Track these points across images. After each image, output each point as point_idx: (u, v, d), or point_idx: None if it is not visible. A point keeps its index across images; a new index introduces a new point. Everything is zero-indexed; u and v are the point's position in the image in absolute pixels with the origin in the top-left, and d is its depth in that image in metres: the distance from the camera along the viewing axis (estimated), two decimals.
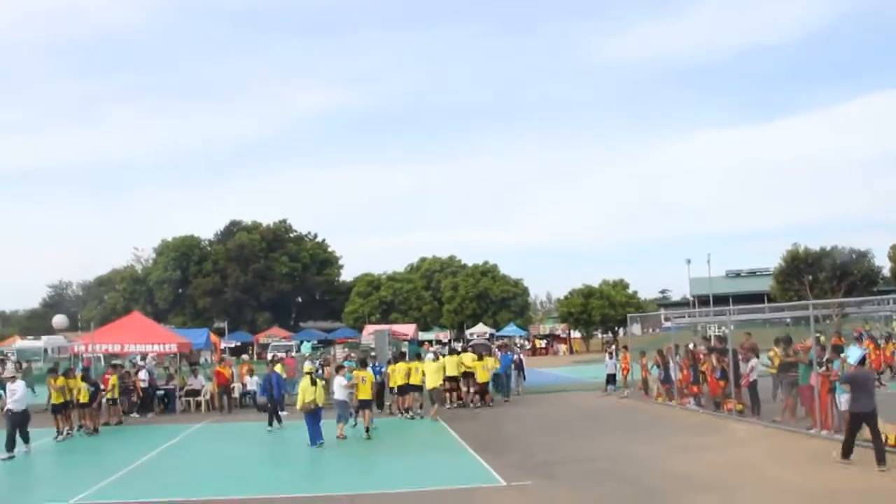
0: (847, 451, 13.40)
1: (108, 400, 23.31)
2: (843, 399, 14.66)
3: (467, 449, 17.04)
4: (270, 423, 21.30)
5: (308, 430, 18.21)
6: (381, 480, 14.13)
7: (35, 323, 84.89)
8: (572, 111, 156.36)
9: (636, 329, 63.93)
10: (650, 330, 61.77)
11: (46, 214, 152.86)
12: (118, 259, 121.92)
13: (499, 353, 29.65)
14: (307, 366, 21.73)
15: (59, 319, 34.80)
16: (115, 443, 20.27)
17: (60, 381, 20.95)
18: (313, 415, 18.30)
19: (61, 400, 20.75)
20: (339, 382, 19.80)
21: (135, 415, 25.29)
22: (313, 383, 18.58)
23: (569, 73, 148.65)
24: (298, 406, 18.78)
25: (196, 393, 26.61)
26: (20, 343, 57.36)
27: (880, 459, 12.74)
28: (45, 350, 45.01)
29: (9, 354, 44.32)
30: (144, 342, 28.38)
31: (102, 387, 22.93)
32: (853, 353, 15.72)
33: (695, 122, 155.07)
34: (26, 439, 18.22)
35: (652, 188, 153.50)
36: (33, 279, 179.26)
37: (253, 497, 12.71)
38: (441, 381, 24.18)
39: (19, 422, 18.05)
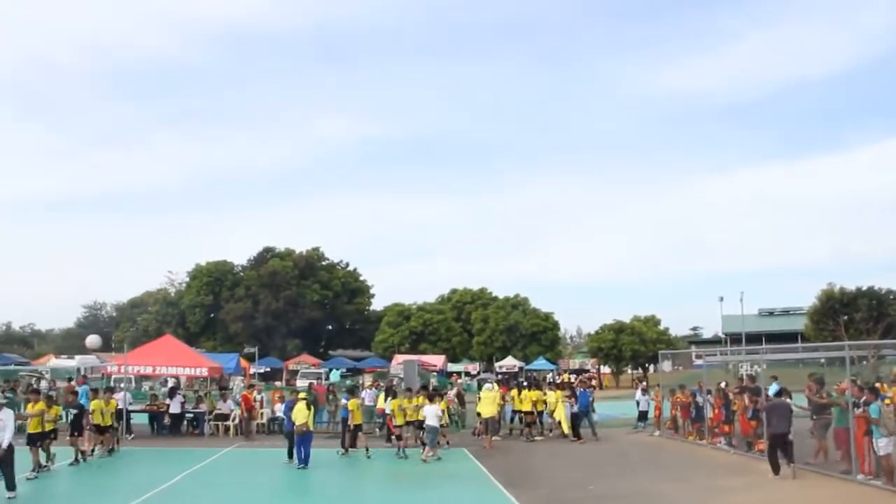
0: None
1: (90, 427, 20.85)
2: (882, 443, 14.40)
3: (494, 482, 16.93)
4: (290, 455, 20.21)
5: (297, 451, 19.34)
6: None
7: (70, 342, 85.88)
8: (608, 145, 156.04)
9: (667, 366, 63.26)
10: (680, 367, 61.13)
11: (84, 236, 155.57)
12: (152, 282, 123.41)
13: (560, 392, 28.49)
14: (301, 392, 22.62)
15: (92, 340, 35.32)
16: (142, 465, 20.42)
17: (40, 405, 17.89)
18: (303, 437, 19.29)
19: (38, 429, 17.55)
20: (431, 410, 21.12)
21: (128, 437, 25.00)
22: (308, 408, 19.54)
23: (604, 108, 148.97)
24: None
25: (225, 417, 26.71)
26: (54, 362, 57.95)
27: None
28: (79, 369, 45.39)
29: (43, 373, 44.88)
30: (176, 364, 28.67)
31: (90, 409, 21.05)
32: None
33: (730, 158, 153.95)
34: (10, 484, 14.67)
35: (685, 224, 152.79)
36: (69, 299, 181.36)
37: None
38: (496, 412, 24.63)
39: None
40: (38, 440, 17.54)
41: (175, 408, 27.13)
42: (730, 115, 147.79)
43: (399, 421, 21.76)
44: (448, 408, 25.62)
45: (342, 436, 22.58)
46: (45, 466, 18.02)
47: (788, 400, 18.43)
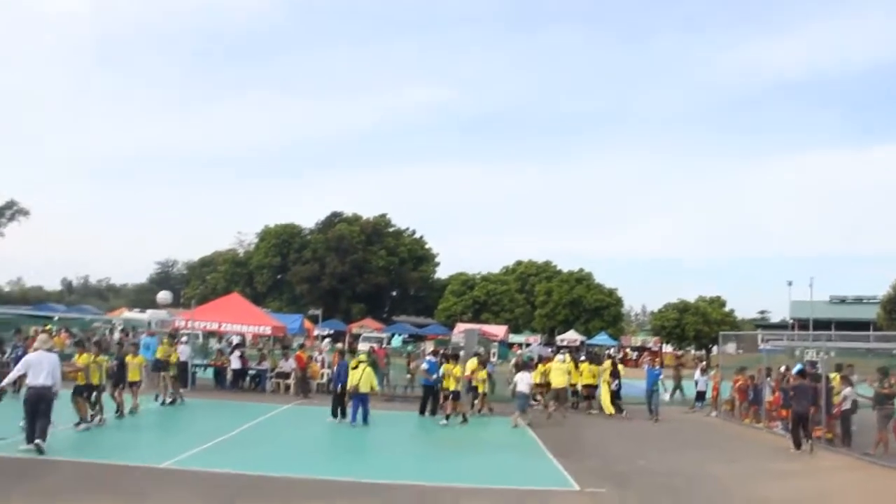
0: None
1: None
2: None
3: (546, 453, 17.08)
4: (334, 415, 20.85)
5: (353, 410, 20.01)
6: (456, 474, 14.23)
7: (142, 297, 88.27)
8: (681, 123, 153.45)
9: (730, 348, 62.36)
10: (743, 350, 60.19)
11: (160, 196, 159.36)
12: (222, 242, 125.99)
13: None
14: (360, 355, 23.28)
15: (163, 295, 36.20)
16: (205, 417, 21.17)
17: (84, 358, 17.30)
18: (361, 397, 19.97)
19: (85, 381, 17.00)
20: (523, 377, 21.89)
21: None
22: (354, 369, 20.29)
23: (680, 85, 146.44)
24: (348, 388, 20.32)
25: (286, 375, 27.32)
26: (127, 314, 59.87)
27: None
28: (149, 323, 46.80)
29: (116, 324, 46.43)
30: (241, 322, 29.36)
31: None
32: None
33: (806, 141, 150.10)
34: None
35: (758, 206, 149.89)
36: (144, 256, 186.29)
37: (328, 479, 13.02)
38: (566, 382, 25.03)
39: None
40: (86, 391, 16.97)
41: (235, 363, 27.81)
42: (804, 96, 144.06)
43: (450, 385, 22.02)
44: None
45: (423, 401, 22.83)
46: (99, 418, 17.72)
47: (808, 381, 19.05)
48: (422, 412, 22.52)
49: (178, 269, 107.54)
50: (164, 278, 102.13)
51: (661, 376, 25.30)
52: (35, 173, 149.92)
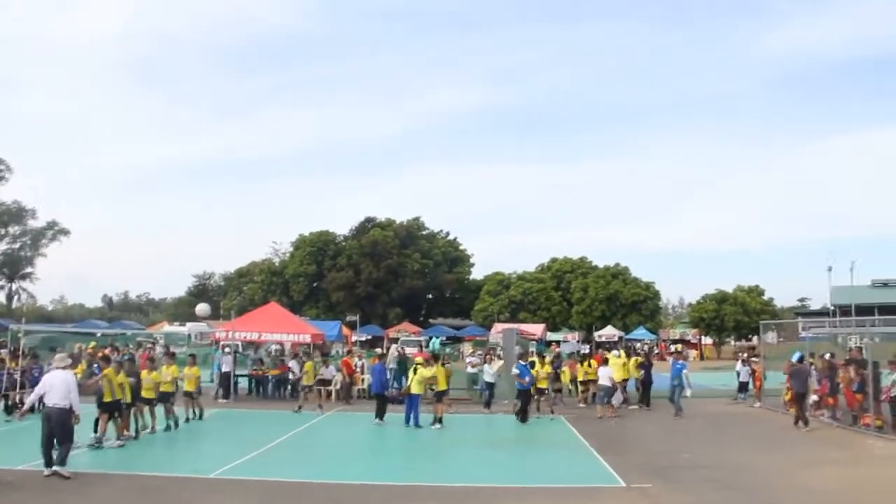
0: None
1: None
2: None
3: (590, 449, 17.05)
4: (379, 416, 21.47)
5: (406, 412, 21.02)
6: (502, 474, 14.28)
7: (181, 310, 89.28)
8: (710, 112, 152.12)
9: (770, 337, 61.70)
10: (783, 339, 59.47)
11: (195, 209, 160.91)
12: (257, 252, 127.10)
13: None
14: (418, 359, 23.44)
15: (202, 308, 36.63)
16: (250, 425, 21.34)
17: (121, 377, 16.84)
18: (411, 399, 21.06)
19: (110, 397, 16.33)
20: (605, 372, 23.60)
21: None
22: (415, 372, 21.40)
23: (712, 71, 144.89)
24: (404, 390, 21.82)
25: (327, 382, 27.48)
26: (167, 328, 60.69)
27: None
28: (189, 336, 47.47)
29: (157, 338, 47.07)
30: (280, 331, 29.61)
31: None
32: None
33: (840, 124, 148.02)
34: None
35: (793, 192, 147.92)
36: (181, 269, 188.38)
37: (377, 483, 13.13)
38: (622, 377, 25.39)
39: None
40: (112, 409, 16.41)
41: (296, 370, 27.46)
42: (833, 78, 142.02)
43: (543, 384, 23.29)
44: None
45: (523, 405, 22.21)
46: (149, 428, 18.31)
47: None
48: (523, 419, 21.83)
49: (215, 280, 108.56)
50: (202, 291, 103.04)
51: (686, 370, 24.79)
52: (72, 191, 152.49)
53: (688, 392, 24.53)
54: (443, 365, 23.34)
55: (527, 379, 22.29)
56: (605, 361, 25.32)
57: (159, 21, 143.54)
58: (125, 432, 17.10)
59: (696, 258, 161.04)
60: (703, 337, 71.12)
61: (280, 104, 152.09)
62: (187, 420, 20.52)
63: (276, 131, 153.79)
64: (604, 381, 22.96)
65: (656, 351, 61.50)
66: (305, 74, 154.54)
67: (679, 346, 49.79)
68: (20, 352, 24.28)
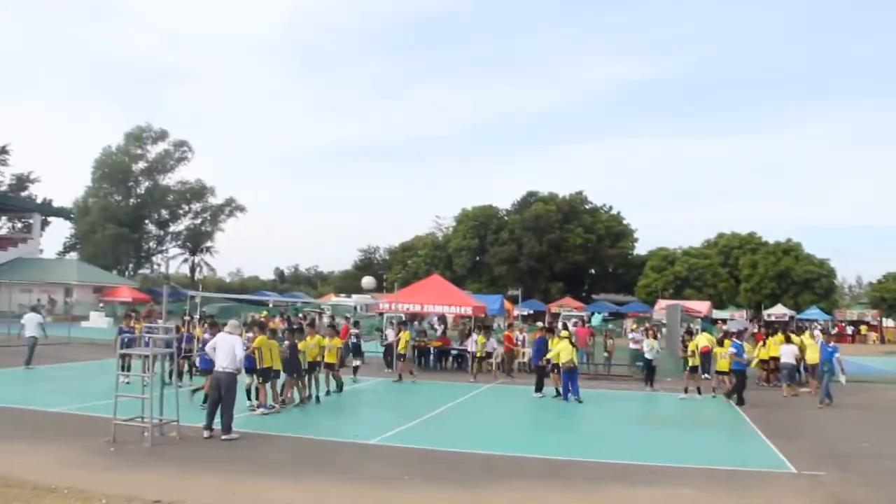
0: None
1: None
2: None
3: (757, 432, 16.33)
4: (538, 390, 21.73)
5: (564, 386, 20.82)
6: (666, 453, 13.80)
7: (347, 283, 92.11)
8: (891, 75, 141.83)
9: None
10: None
11: (361, 186, 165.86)
12: (421, 227, 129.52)
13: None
14: (564, 332, 22.70)
15: (367, 280, 37.80)
16: (411, 395, 21.77)
17: (260, 340, 16.88)
18: (569, 372, 20.71)
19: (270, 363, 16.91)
20: (788, 350, 22.96)
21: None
22: (572, 345, 21.25)
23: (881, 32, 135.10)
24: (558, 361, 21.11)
25: (488, 356, 27.62)
26: (334, 300, 62.92)
27: None
28: (355, 307, 48.92)
29: (325, 309, 48.89)
30: (442, 303, 30.04)
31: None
32: None
33: None
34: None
35: None
36: (348, 244, 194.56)
37: (532, 456, 13.06)
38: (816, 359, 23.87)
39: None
40: (262, 375, 16.79)
41: (471, 346, 27.34)
42: None
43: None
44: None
45: (739, 386, 21.14)
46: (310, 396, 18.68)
47: None
48: (740, 401, 20.66)
49: (380, 255, 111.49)
50: (368, 264, 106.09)
51: (838, 354, 22.59)
52: (248, 171, 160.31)
53: (842, 379, 22.34)
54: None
55: (744, 357, 21.34)
56: (788, 339, 23.84)
57: (320, 9, 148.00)
58: (276, 402, 17.29)
59: (878, 235, 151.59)
60: (883, 318, 66.85)
61: (441, 82, 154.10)
62: (328, 393, 19.98)
63: (438, 109, 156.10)
64: (787, 358, 21.58)
65: (835, 331, 58.32)
66: (465, 52, 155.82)
67: (820, 326, 46.69)
68: (197, 319, 25.62)
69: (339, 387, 20.73)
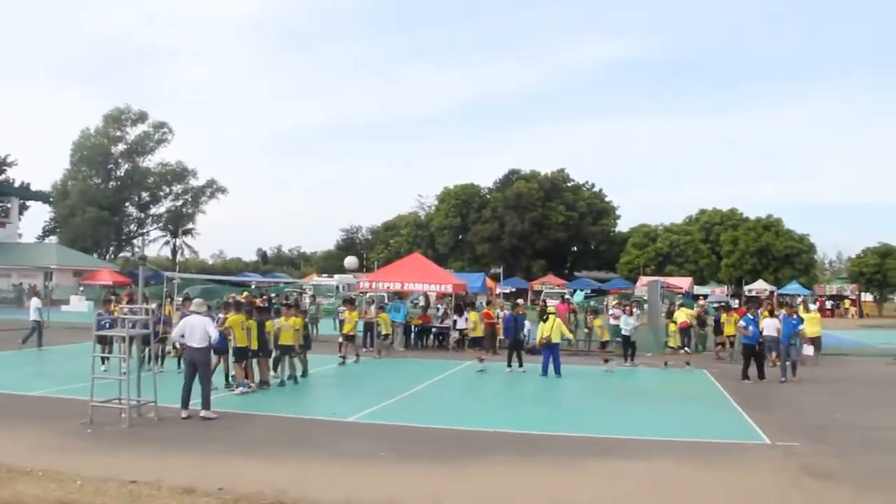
0: None
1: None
2: None
3: (734, 405, 16.46)
4: (509, 364, 22.05)
5: (544, 362, 21.01)
6: (642, 426, 13.90)
7: (330, 263, 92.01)
8: (871, 57, 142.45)
9: None
10: None
11: (342, 165, 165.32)
12: (403, 206, 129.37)
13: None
14: (550, 308, 23.51)
15: (349, 260, 37.89)
16: (391, 373, 21.76)
17: (232, 319, 16.79)
18: (547, 348, 21.00)
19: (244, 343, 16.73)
20: (770, 323, 21.23)
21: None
22: (545, 321, 21.39)
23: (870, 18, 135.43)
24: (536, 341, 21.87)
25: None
26: (316, 279, 62.87)
27: None
28: (337, 287, 48.95)
29: (306, 288, 48.85)
30: (423, 281, 30.06)
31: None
32: None
33: None
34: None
35: None
36: (330, 224, 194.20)
37: (512, 431, 13.17)
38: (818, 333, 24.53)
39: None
40: (240, 355, 16.69)
41: (461, 325, 27.62)
42: None
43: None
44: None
45: (746, 362, 21.10)
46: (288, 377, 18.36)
47: None
48: (745, 376, 20.52)
49: (362, 234, 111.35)
50: (350, 244, 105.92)
51: (801, 327, 21.94)
52: (229, 152, 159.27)
53: (809, 350, 22.71)
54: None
55: (750, 329, 20.94)
56: (772, 313, 23.63)
57: None
58: (251, 380, 17.02)
59: (857, 210, 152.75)
60: (862, 293, 67.40)
61: (422, 62, 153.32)
62: (281, 383, 18.28)
63: (420, 88, 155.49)
64: (769, 331, 21.28)
65: (815, 306, 58.65)
66: (446, 31, 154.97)
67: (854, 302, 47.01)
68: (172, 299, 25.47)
69: (304, 372, 19.40)
